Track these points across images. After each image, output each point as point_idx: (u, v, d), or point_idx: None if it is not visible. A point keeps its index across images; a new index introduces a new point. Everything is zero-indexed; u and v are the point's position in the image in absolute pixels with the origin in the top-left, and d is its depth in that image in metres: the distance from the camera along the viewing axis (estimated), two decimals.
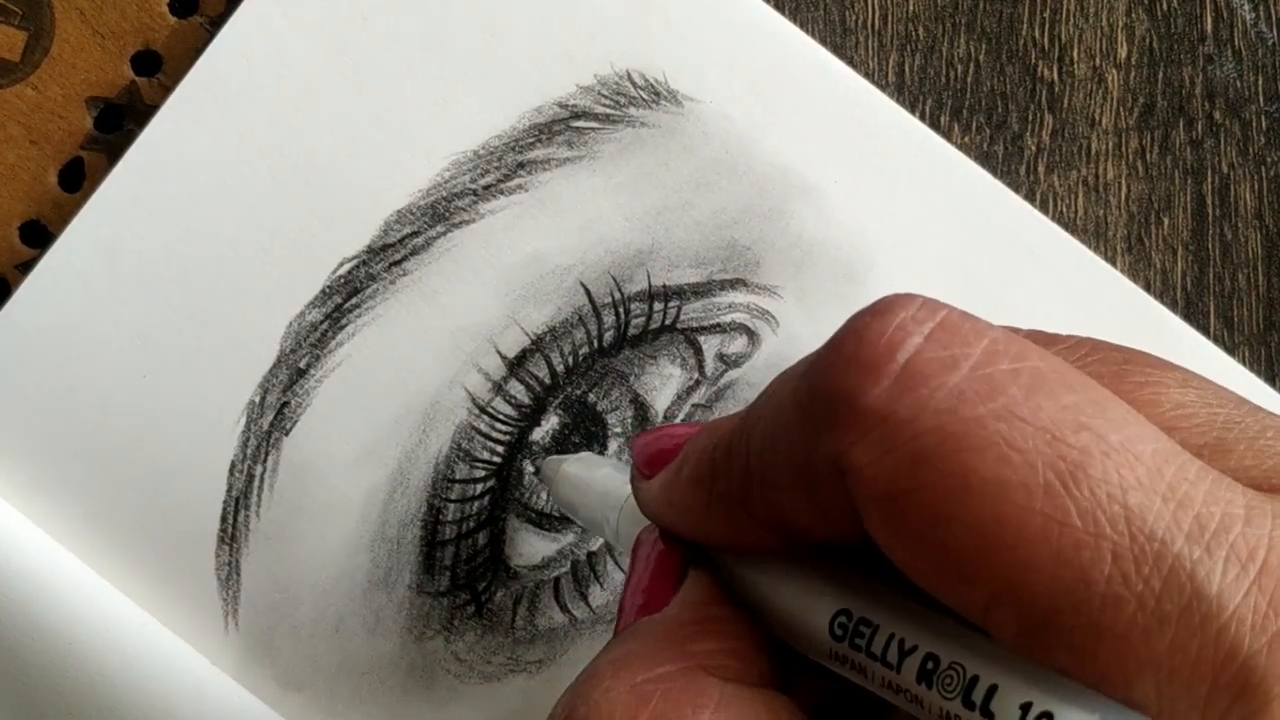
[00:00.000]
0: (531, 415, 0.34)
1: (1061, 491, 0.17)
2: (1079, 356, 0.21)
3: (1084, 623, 0.17)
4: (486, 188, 0.35)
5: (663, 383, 0.35)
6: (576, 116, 0.35)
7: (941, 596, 0.18)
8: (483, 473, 0.34)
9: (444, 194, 0.34)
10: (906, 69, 0.36)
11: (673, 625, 0.22)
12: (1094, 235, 0.36)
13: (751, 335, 0.35)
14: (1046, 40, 0.36)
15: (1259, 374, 0.36)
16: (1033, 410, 0.17)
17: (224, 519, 0.34)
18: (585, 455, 0.33)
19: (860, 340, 0.18)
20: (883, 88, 0.36)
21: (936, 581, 0.18)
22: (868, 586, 0.20)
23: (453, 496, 0.34)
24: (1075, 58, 0.37)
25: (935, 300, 0.19)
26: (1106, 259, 0.36)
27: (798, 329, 0.35)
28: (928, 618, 0.19)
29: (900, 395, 0.18)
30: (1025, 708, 0.17)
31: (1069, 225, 0.36)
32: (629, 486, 0.26)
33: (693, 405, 0.35)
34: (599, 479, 0.30)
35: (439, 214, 0.34)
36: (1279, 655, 0.16)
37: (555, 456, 0.33)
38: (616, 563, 0.34)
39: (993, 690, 0.18)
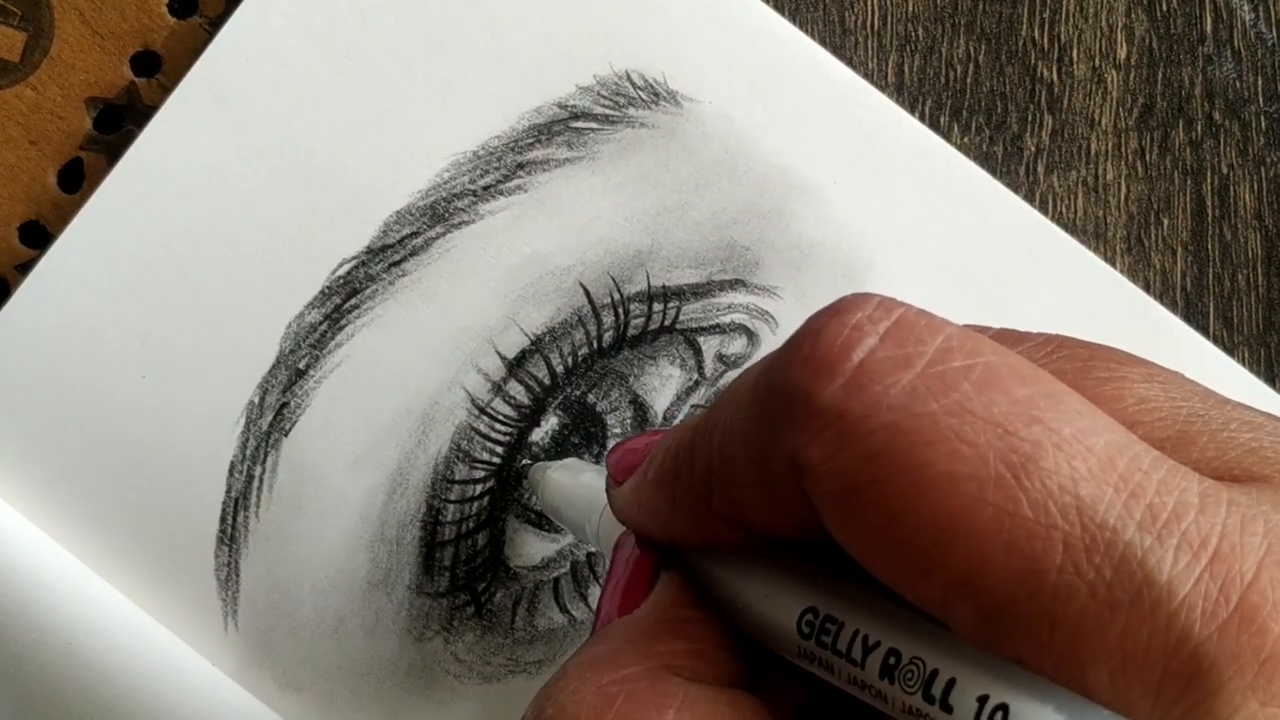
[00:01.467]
0: (531, 416, 0.34)
1: (1012, 483, 0.17)
2: (1045, 353, 0.21)
3: (1037, 612, 0.17)
4: (486, 188, 0.35)
5: (662, 383, 0.35)
6: (576, 117, 0.35)
7: (900, 590, 0.18)
8: (482, 473, 0.34)
9: (443, 194, 0.34)
10: (906, 69, 0.36)
11: (641, 626, 0.22)
12: (1093, 236, 0.36)
13: (751, 336, 0.35)
14: (1046, 41, 0.36)
15: (1259, 375, 0.36)
16: (984, 405, 0.18)
17: (223, 519, 0.34)
18: (570, 461, 0.33)
19: (817, 340, 0.19)
20: (882, 88, 0.36)
21: (894, 576, 0.18)
22: (834, 583, 0.21)
23: (452, 497, 0.34)
24: (1075, 58, 0.36)
25: (892, 299, 0.19)
26: (1106, 259, 0.36)
27: None
28: (891, 613, 0.19)
29: (854, 393, 0.18)
30: (982, 700, 0.18)
31: (1068, 226, 0.36)
32: None
33: (692, 406, 0.35)
34: (582, 484, 0.30)
35: (438, 214, 0.34)
36: (1230, 642, 0.16)
37: (541, 462, 0.33)
38: None
39: (951, 684, 0.18)
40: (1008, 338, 0.21)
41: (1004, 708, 0.17)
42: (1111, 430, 0.18)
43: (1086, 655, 0.17)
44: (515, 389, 0.34)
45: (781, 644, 0.21)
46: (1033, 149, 0.36)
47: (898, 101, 0.36)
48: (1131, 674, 0.16)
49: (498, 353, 0.34)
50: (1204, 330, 0.36)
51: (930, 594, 0.18)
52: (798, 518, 0.20)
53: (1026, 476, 0.17)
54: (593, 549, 0.34)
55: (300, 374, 0.34)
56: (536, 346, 0.34)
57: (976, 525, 0.17)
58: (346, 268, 0.34)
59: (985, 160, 0.36)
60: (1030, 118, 0.36)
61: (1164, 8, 0.37)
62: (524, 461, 0.34)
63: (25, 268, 0.34)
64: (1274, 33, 0.37)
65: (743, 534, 0.21)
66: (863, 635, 0.19)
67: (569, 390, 0.34)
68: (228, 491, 0.34)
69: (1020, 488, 0.17)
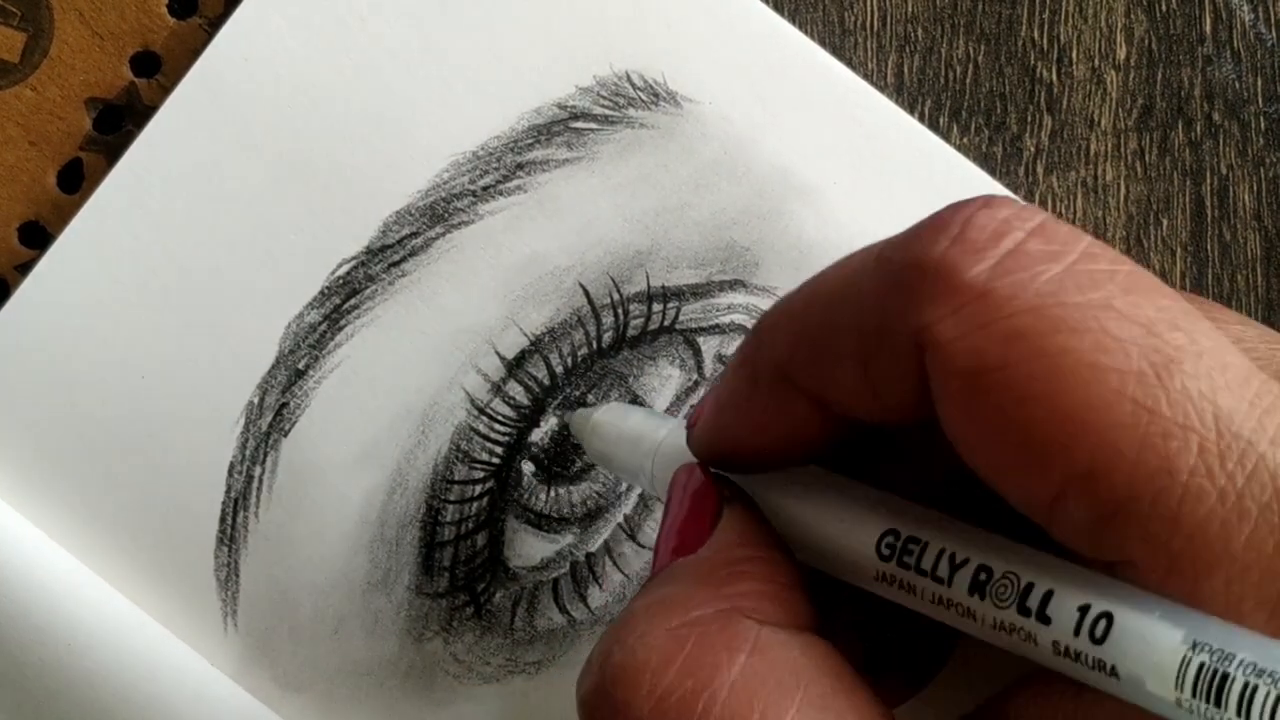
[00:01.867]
0: (530, 416, 0.34)
1: (1155, 381, 0.17)
2: None
3: (1162, 511, 0.17)
4: (485, 189, 0.35)
5: (662, 384, 0.35)
6: (575, 117, 0.35)
7: (1005, 484, 0.18)
8: (481, 474, 0.34)
9: (443, 195, 0.34)
10: (905, 70, 0.36)
11: (708, 567, 0.21)
12: (1093, 236, 0.36)
13: None
14: (1045, 41, 0.36)
15: None
16: (1130, 305, 0.18)
17: (223, 520, 0.34)
18: (615, 405, 0.32)
19: (968, 221, 0.19)
20: (882, 89, 0.36)
21: (1006, 466, 0.18)
22: (907, 506, 0.20)
23: (451, 498, 0.34)
24: (1074, 59, 0.36)
25: (1032, 205, 0.19)
26: None
27: None
28: (974, 533, 0.19)
29: (1002, 275, 0.18)
30: (1083, 610, 0.17)
31: None
32: (662, 430, 0.27)
33: (692, 406, 0.35)
34: (631, 426, 0.29)
35: (438, 215, 0.34)
36: None
37: (584, 409, 0.33)
38: (615, 564, 0.34)
39: (1049, 595, 0.18)
40: None
41: (1107, 616, 0.17)
42: (1241, 355, 0.18)
43: (1207, 560, 0.17)
44: (515, 389, 0.34)
45: (857, 570, 0.21)
46: (1032, 149, 0.36)
47: (897, 102, 0.36)
48: (1249, 584, 0.17)
49: (497, 353, 0.34)
50: None
51: (1042, 489, 0.18)
52: (896, 397, 0.19)
53: (1169, 376, 0.17)
54: (593, 548, 0.34)
55: (300, 374, 0.34)
56: (536, 347, 0.34)
57: (1113, 418, 0.17)
58: (346, 268, 0.34)
59: (985, 161, 0.36)
60: (1030, 118, 0.36)
61: (1164, 8, 0.37)
62: (524, 464, 0.34)
63: (25, 268, 0.34)
64: (1274, 33, 0.37)
65: (820, 417, 0.21)
66: (950, 553, 0.19)
67: (569, 391, 0.34)
68: (227, 492, 0.34)
69: (1162, 386, 0.17)
